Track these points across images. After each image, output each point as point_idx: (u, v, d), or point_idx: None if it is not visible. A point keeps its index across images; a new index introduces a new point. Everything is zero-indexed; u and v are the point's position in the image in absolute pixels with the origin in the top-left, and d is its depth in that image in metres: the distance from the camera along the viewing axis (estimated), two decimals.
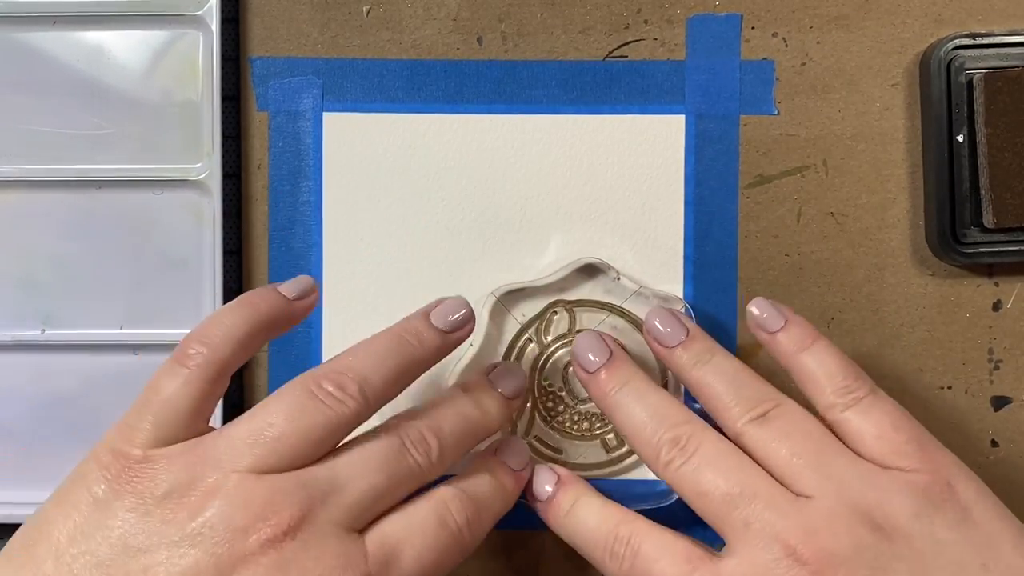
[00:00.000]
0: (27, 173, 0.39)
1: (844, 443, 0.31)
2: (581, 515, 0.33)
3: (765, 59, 0.40)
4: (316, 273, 0.40)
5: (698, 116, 0.40)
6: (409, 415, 0.32)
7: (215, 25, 0.38)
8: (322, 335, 0.40)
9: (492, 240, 0.40)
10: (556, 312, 0.39)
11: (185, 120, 0.39)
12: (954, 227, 0.38)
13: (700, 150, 0.40)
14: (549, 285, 0.39)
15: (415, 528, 0.30)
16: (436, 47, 0.40)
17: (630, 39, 0.40)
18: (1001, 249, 0.38)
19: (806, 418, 0.32)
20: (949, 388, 0.40)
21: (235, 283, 0.40)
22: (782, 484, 0.30)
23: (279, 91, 0.40)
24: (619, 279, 0.38)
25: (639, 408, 0.33)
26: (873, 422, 0.31)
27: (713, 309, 0.40)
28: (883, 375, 0.39)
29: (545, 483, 0.34)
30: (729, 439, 0.32)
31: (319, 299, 0.34)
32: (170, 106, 0.39)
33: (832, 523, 0.28)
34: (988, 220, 0.37)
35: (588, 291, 0.39)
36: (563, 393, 0.39)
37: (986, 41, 0.38)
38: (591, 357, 0.35)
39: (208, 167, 0.39)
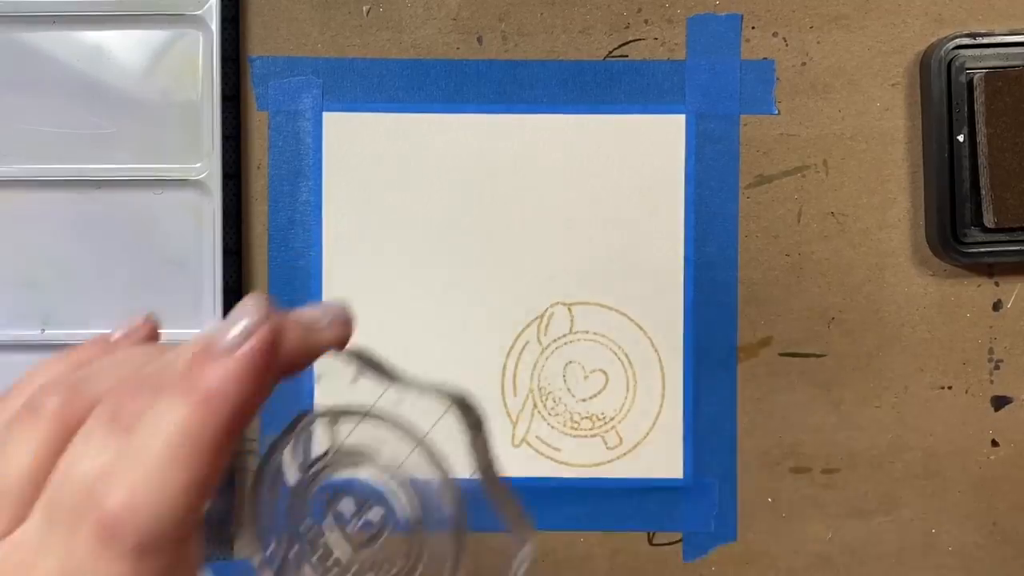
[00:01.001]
0: (27, 173, 0.39)
1: None
2: None
3: (765, 59, 0.40)
4: (316, 273, 0.40)
5: (698, 116, 0.39)
6: None
7: (215, 25, 0.38)
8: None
9: (492, 239, 0.40)
10: (554, 313, 0.39)
11: (185, 120, 0.39)
12: (955, 227, 0.38)
13: (700, 150, 0.40)
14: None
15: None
16: (436, 47, 0.40)
17: (630, 39, 0.40)
18: (1002, 249, 0.38)
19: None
20: (950, 388, 0.40)
21: (235, 283, 0.40)
22: None
23: (279, 91, 0.40)
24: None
25: None
26: None
27: (713, 309, 0.39)
28: (883, 375, 0.39)
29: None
30: None
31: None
32: (170, 106, 0.39)
33: None
34: (989, 220, 0.37)
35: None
36: (563, 393, 0.39)
37: (986, 41, 0.38)
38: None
39: (208, 167, 0.39)
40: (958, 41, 0.38)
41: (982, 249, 0.38)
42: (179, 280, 0.39)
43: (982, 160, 0.37)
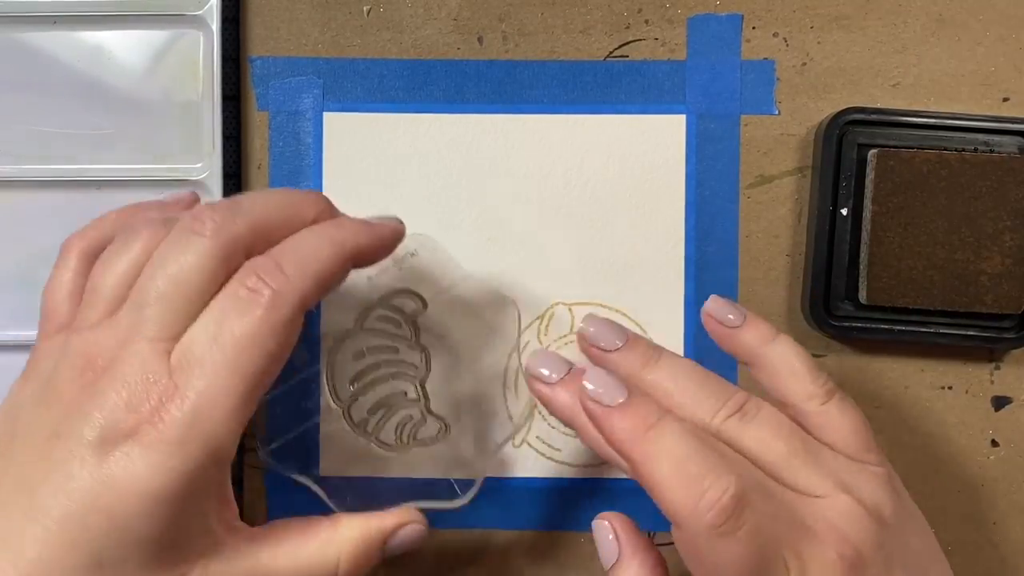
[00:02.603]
0: (27, 173, 0.39)
1: (818, 436, 0.31)
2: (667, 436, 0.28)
3: (766, 59, 0.40)
4: None
5: (699, 116, 0.40)
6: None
7: (215, 25, 0.38)
8: (321, 337, 0.40)
9: (492, 239, 0.40)
10: (555, 313, 0.39)
11: (185, 120, 0.39)
12: (828, 298, 0.38)
13: (701, 150, 0.40)
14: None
15: (214, 321, 0.28)
16: (436, 47, 0.40)
17: (631, 39, 0.40)
18: (872, 326, 0.38)
19: (779, 413, 0.31)
20: (950, 388, 0.40)
21: None
22: (778, 480, 0.29)
23: (279, 91, 0.40)
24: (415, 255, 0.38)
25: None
26: (849, 417, 0.31)
27: None
28: (883, 375, 0.40)
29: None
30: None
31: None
32: (170, 106, 0.39)
33: (851, 522, 0.28)
34: (862, 296, 0.37)
35: (417, 264, 0.38)
36: None
37: (882, 119, 0.38)
38: (549, 373, 0.32)
39: (208, 167, 0.39)
40: (854, 116, 0.38)
41: (853, 324, 0.38)
42: None
43: (864, 236, 0.37)
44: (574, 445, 0.39)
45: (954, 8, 0.39)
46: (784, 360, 0.32)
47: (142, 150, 0.39)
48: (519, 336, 0.39)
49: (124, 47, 0.39)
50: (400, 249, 0.34)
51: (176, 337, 0.28)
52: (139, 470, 0.26)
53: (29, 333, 0.39)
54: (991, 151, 0.38)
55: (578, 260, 0.39)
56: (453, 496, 0.38)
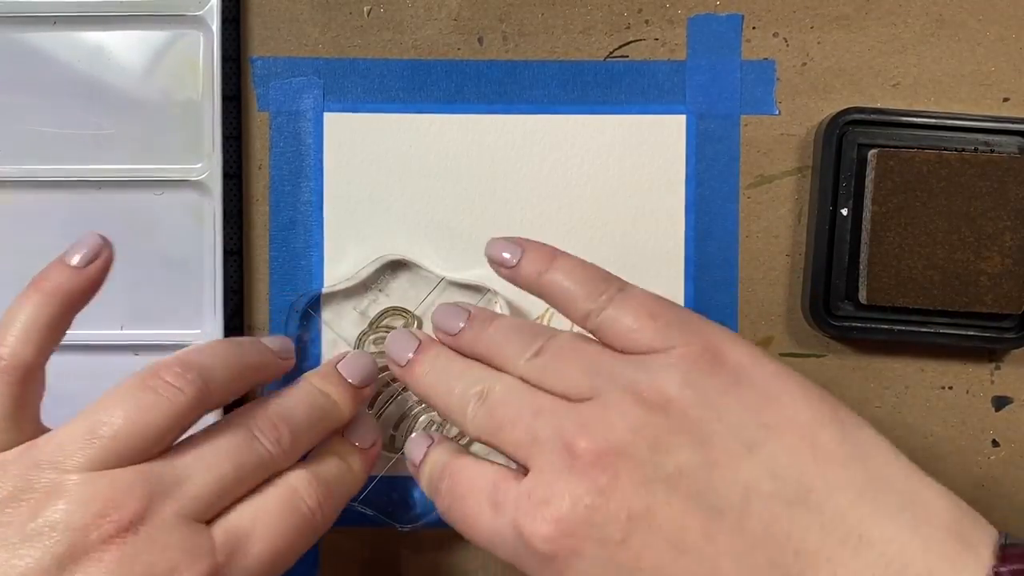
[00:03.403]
0: (27, 173, 0.39)
1: (612, 346, 0.31)
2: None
3: (766, 59, 0.40)
4: (316, 273, 0.40)
5: (699, 116, 0.40)
6: (258, 404, 0.32)
7: (216, 25, 0.38)
8: (321, 337, 0.40)
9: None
10: (555, 313, 0.39)
11: (186, 120, 0.39)
12: (828, 298, 0.38)
13: (701, 150, 0.40)
14: (358, 285, 0.39)
15: (264, 515, 0.30)
16: (437, 47, 0.40)
17: (631, 39, 0.40)
18: (871, 327, 0.38)
19: (574, 339, 0.31)
20: (950, 388, 0.40)
21: (235, 283, 0.40)
22: (564, 396, 0.30)
23: (280, 91, 0.40)
24: (421, 270, 0.39)
25: (447, 377, 0.32)
26: (629, 314, 0.30)
27: (713, 309, 0.39)
28: (883, 375, 0.40)
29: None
30: None
31: (112, 258, 0.32)
32: (170, 106, 0.39)
33: (605, 413, 0.28)
34: (862, 296, 0.37)
35: (399, 286, 0.39)
36: None
37: (882, 118, 0.38)
38: (402, 353, 0.34)
39: (209, 167, 0.39)
40: (854, 116, 0.38)
41: (854, 324, 0.38)
42: (179, 280, 0.39)
43: (864, 236, 0.37)
44: None
45: (954, 8, 0.39)
46: (558, 286, 0.32)
47: (142, 150, 0.39)
48: None
49: (124, 47, 0.39)
50: (376, 275, 0.38)
51: (213, 518, 0.29)
52: None
53: None
54: (991, 151, 0.38)
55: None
56: None
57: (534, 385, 0.30)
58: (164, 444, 0.29)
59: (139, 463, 0.28)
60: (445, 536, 0.40)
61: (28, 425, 0.30)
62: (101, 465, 0.28)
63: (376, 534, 0.40)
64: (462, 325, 0.33)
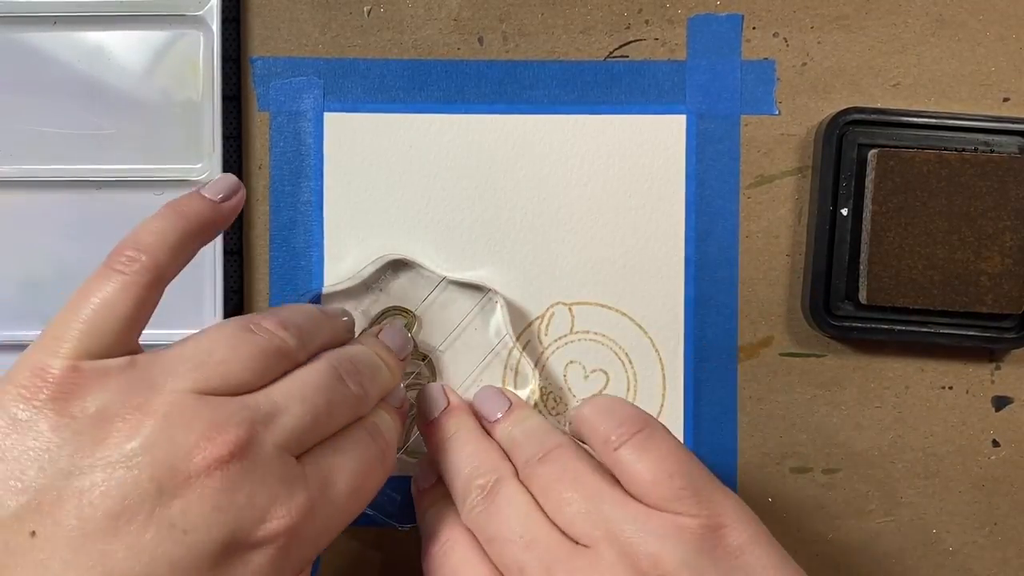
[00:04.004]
0: (27, 173, 0.39)
1: (621, 482, 0.30)
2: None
3: (766, 59, 0.40)
4: (317, 273, 0.40)
5: (699, 116, 0.40)
6: (337, 351, 0.33)
7: (216, 25, 0.38)
8: None
9: (492, 239, 0.40)
10: (555, 313, 0.39)
11: (186, 120, 0.39)
12: (828, 298, 0.38)
13: (701, 150, 0.40)
14: (359, 284, 0.39)
15: (349, 452, 0.30)
16: (437, 47, 0.40)
17: (631, 39, 0.40)
18: (871, 327, 0.38)
19: (579, 458, 0.31)
20: (951, 388, 0.40)
21: (236, 283, 0.40)
22: (561, 530, 0.30)
23: (280, 91, 0.40)
24: (423, 270, 0.39)
25: (463, 454, 0.33)
26: (648, 464, 0.30)
27: (713, 309, 0.39)
28: (883, 375, 0.40)
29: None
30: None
31: (245, 197, 0.34)
32: (170, 106, 0.39)
33: (597, 571, 0.28)
34: (862, 296, 0.37)
35: (400, 285, 0.39)
36: (564, 393, 0.39)
37: (882, 119, 0.38)
38: (430, 408, 0.36)
39: (209, 167, 0.39)
40: (854, 116, 0.38)
41: (853, 324, 0.38)
42: (179, 280, 0.39)
43: (864, 236, 0.37)
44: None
45: (954, 8, 0.39)
46: (582, 414, 0.33)
47: (142, 150, 0.39)
48: (508, 323, 0.39)
49: (124, 47, 0.39)
50: (377, 275, 0.38)
51: (304, 452, 0.29)
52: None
53: (29, 333, 0.39)
54: (991, 151, 0.38)
55: (578, 260, 0.39)
56: None
57: (535, 496, 0.31)
58: (263, 381, 0.29)
59: (239, 395, 0.28)
60: None
61: (135, 340, 0.29)
62: (206, 390, 0.27)
63: (376, 534, 0.40)
64: (499, 416, 0.35)
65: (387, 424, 0.32)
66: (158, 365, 0.27)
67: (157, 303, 0.29)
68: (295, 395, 0.29)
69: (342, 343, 0.34)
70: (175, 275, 0.30)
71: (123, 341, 0.28)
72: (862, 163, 0.38)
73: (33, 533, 0.24)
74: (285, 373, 0.30)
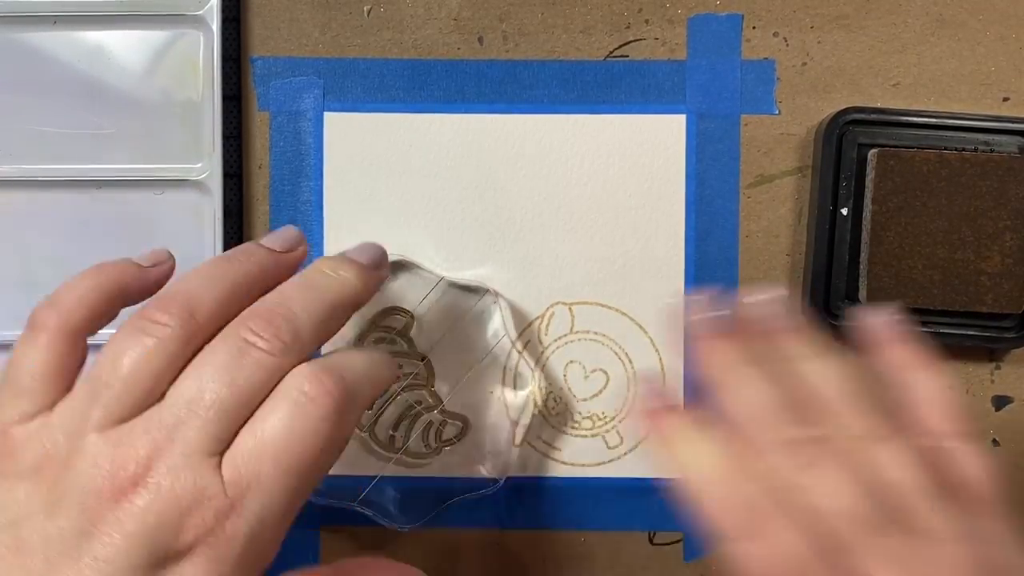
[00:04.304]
0: (27, 173, 0.39)
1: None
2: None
3: (766, 59, 0.40)
4: None
5: (699, 116, 0.40)
6: (252, 307, 0.29)
7: (216, 25, 0.38)
8: None
9: (492, 239, 0.40)
10: (555, 312, 0.39)
11: (186, 120, 0.39)
12: (828, 298, 0.38)
13: (701, 150, 0.40)
14: None
15: (271, 429, 0.27)
16: (437, 47, 0.40)
17: (631, 39, 0.40)
18: None
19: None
20: (950, 388, 0.40)
21: None
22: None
23: (280, 91, 0.40)
24: (421, 270, 0.39)
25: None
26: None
27: None
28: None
29: None
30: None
31: (174, 268, 0.32)
32: (170, 106, 0.39)
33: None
34: (862, 296, 0.37)
35: (398, 286, 0.39)
36: (564, 392, 0.39)
37: (882, 118, 0.38)
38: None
39: (209, 167, 0.39)
40: (854, 116, 0.38)
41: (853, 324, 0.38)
42: None
43: (864, 236, 0.37)
44: (574, 445, 0.39)
45: (954, 8, 0.39)
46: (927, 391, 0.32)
47: (142, 150, 0.39)
48: (509, 324, 0.39)
49: (124, 47, 0.39)
50: None
51: (226, 446, 0.27)
52: None
53: None
54: (991, 151, 0.38)
55: (578, 260, 0.39)
56: (483, 486, 0.39)
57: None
58: (165, 384, 0.28)
59: (145, 410, 0.27)
60: (445, 536, 0.40)
61: (62, 392, 0.29)
62: (109, 423, 0.27)
63: (376, 534, 0.40)
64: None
65: (309, 379, 0.28)
66: (67, 411, 0.28)
67: (83, 357, 0.30)
68: (196, 391, 0.27)
69: (285, 272, 0.31)
70: (95, 330, 0.30)
71: (52, 396, 0.29)
72: (862, 163, 0.38)
73: None
74: (195, 353, 0.28)
